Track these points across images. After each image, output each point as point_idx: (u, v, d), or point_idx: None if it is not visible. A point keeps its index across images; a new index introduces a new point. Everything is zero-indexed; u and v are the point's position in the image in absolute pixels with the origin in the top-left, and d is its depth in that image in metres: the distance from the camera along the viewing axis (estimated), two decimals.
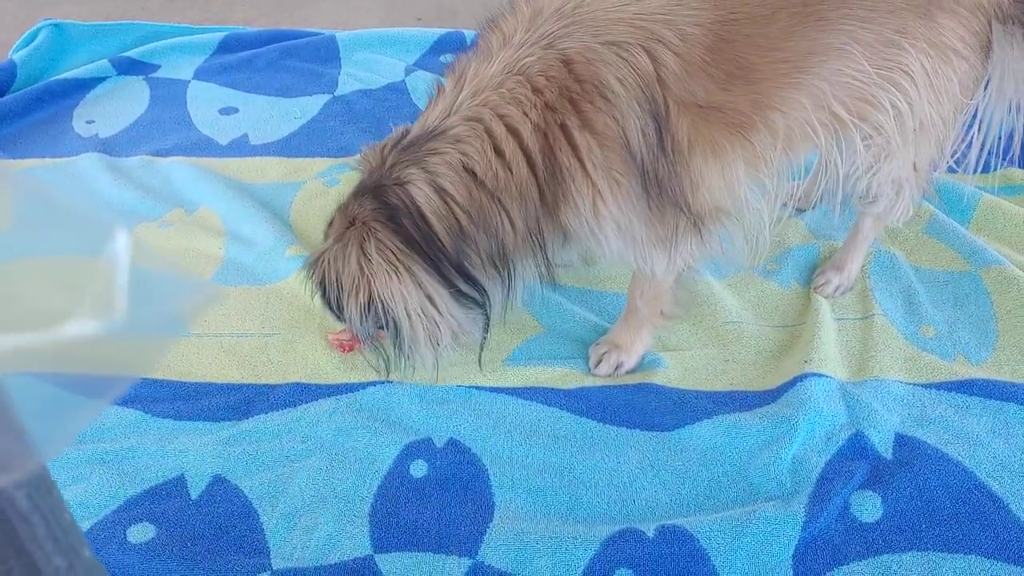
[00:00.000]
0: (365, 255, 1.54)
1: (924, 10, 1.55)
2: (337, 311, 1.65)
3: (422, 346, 1.63)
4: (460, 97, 1.53)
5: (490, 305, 1.66)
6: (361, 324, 1.61)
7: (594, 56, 1.46)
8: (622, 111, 1.46)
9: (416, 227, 1.52)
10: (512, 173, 1.50)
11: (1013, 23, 1.66)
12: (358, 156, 1.70)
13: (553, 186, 1.52)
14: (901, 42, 1.55)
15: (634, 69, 1.45)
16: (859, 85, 1.56)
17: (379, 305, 1.57)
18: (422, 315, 1.58)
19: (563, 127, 1.48)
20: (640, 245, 1.62)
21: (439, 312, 1.59)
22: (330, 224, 1.68)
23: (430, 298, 1.57)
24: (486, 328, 1.72)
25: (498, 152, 1.50)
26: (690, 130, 1.49)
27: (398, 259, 1.53)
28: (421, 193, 1.51)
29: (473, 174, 1.51)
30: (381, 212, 1.54)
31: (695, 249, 1.66)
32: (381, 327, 1.64)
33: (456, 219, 1.53)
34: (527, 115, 1.48)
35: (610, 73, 1.46)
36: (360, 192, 1.60)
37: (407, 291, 1.55)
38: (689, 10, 1.48)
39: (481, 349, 1.78)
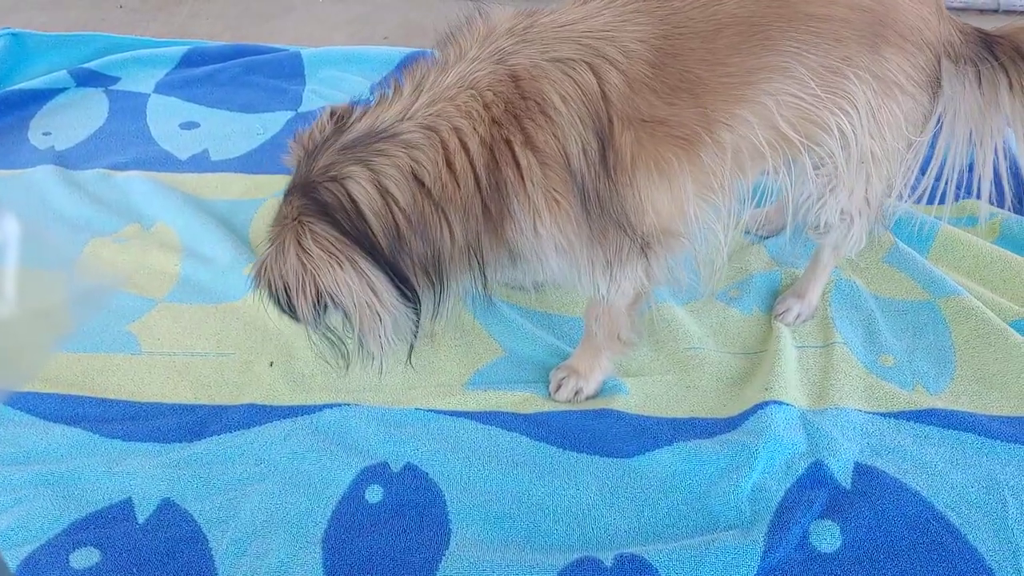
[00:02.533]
0: (304, 250, 1.49)
1: (870, 42, 1.56)
2: (291, 312, 1.59)
3: (368, 336, 1.57)
4: (417, 104, 1.51)
5: (420, 307, 1.61)
6: (316, 321, 1.55)
7: (540, 72, 1.47)
8: (563, 129, 1.47)
9: (351, 222, 1.48)
10: (460, 187, 1.49)
11: (965, 62, 1.67)
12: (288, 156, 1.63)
13: (497, 201, 1.52)
14: (846, 71, 1.55)
15: (578, 86, 1.46)
16: (805, 106, 1.56)
17: (328, 298, 1.51)
18: (366, 305, 1.53)
19: (508, 143, 1.48)
20: (583, 267, 1.62)
21: (380, 301, 1.53)
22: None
23: (372, 287, 1.51)
24: (415, 332, 1.65)
25: (449, 165, 1.48)
26: (634, 145, 1.49)
27: (337, 249, 1.48)
28: (362, 190, 1.48)
29: (421, 182, 1.49)
30: (310, 207, 1.49)
31: (643, 273, 1.65)
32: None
33: (394, 220, 1.50)
34: (476, 130, 1.47)
35: (554, 90, 1.46)
36: (289, 192, 1.55)
37: (351, 280, 1.49)
38: (634, 26, 1.50)
39: (410, 352, 1.69)
